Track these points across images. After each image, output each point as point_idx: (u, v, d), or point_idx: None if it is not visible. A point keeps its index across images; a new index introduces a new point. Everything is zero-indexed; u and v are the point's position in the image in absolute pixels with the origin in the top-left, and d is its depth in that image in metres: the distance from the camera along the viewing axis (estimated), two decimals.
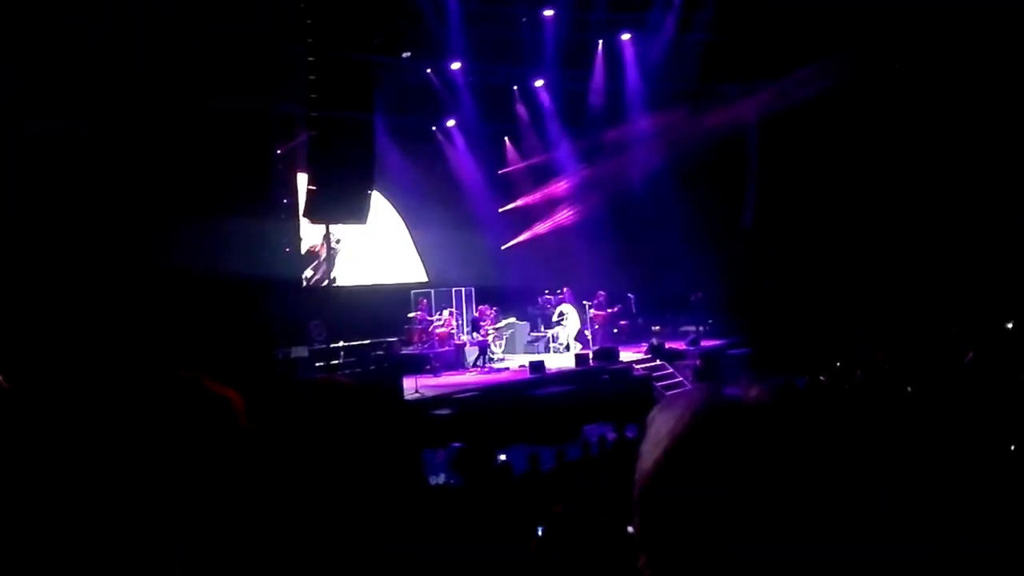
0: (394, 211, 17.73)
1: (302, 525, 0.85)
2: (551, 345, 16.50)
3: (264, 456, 0.88)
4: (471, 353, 15.21)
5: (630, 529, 0.82)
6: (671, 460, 0.79)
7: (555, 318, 16.56)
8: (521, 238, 18.94)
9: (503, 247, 18.88)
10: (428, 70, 15.87)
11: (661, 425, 0.82)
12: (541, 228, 18.85)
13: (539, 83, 17.54)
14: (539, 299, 17.00)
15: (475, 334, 15.44)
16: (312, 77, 11.18)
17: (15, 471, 0.95)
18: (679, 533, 0.77)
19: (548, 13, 15.07)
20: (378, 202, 17.16)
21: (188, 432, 0.95)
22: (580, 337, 16.61)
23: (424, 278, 17.62)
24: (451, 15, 14.01)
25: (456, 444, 9.54)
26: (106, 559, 0.89)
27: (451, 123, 17.89)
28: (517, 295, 17.12)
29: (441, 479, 8.25)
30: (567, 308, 16.46)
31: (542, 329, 16.92)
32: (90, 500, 0.91)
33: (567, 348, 16.24)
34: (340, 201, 11.88)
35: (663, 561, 0.78)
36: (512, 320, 16.61)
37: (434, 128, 17.89)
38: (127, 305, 8.53)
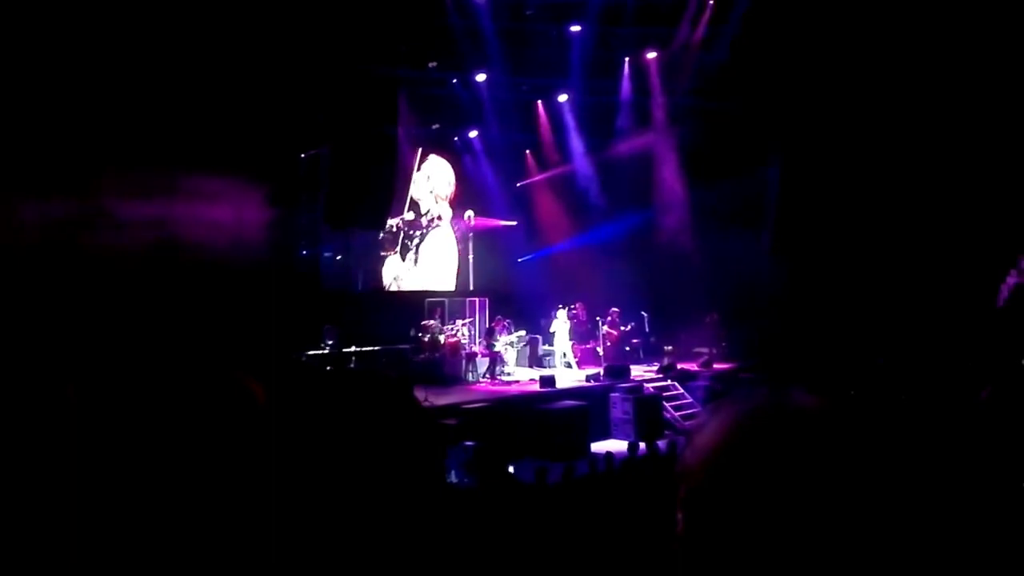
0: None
1: (330, 510, 0.86)
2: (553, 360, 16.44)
3: (296, 441, 0.89)
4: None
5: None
6: (721, 460, 0.79)
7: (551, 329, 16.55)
8: (538, 251, 18.96)
9: (520, 259, 18.91)
10: (454, 80, 15.97)
11: (710, 426, 0.82)
12: (558, 242, 18.85)
13: (563, 98, 17.60)
14: (553, 313, 16.97)
15: (488, 344, 15.42)
16: (338, 87, 11.27)
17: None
18: (725, 531, 0.77)
19: (575, 29, 15.15)
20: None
21: (224, 419, 0.96)
22: (585, 353, 16.57)
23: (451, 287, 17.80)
24: (479, 28, 14.11)
25: (468, 443, 9.50)
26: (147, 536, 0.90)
27: (473, 134, 17.98)
28: (532, 308, 17.11)
29: (452, 477, 8.22)
30: (559, 317, 16.43)
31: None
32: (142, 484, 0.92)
33: (567, 364, 16.16)
34: (360, 207, 11.96)
35: (706, 559, 0.78)
36: (523, 333, 16.59)
37: (456, 138, 17.99)
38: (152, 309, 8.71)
